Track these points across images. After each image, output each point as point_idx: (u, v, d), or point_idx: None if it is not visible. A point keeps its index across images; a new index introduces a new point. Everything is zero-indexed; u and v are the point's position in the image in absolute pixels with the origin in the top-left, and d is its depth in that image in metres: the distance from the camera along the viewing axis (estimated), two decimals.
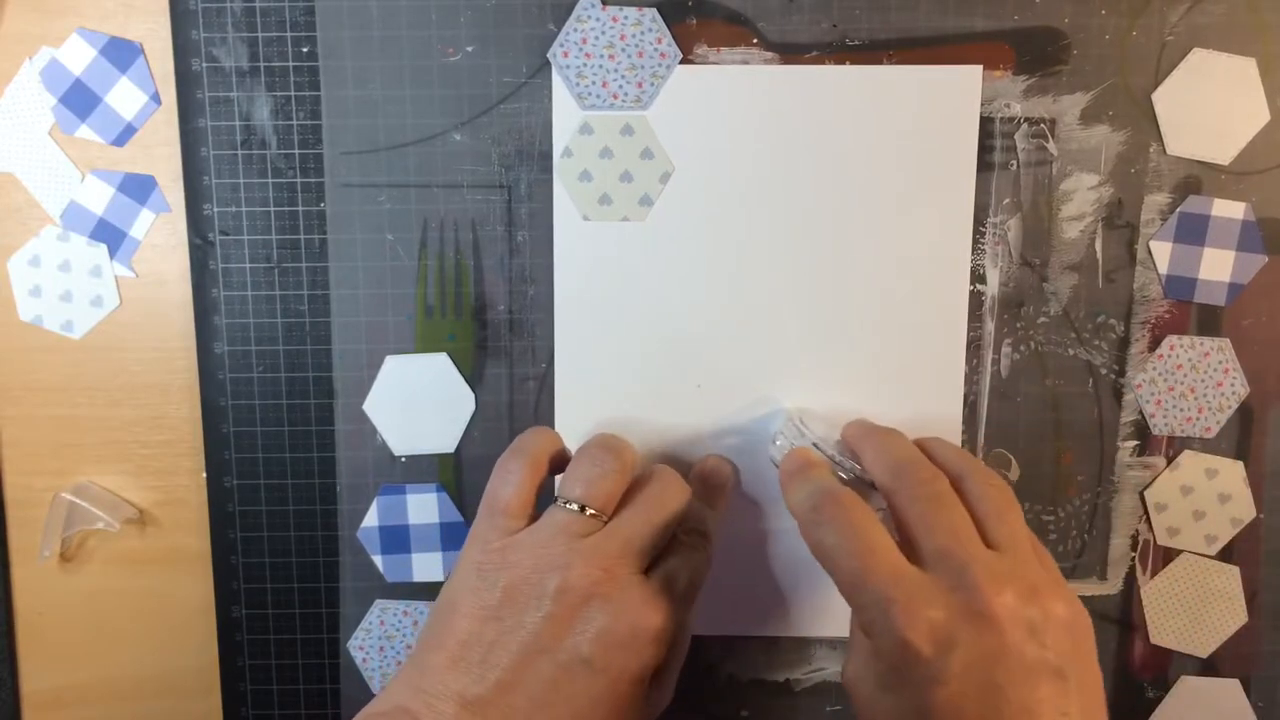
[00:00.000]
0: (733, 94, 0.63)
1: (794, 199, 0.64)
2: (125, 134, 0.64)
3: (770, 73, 0.63)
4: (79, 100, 0.64)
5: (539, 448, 0.59)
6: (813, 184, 0.64)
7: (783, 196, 0.64)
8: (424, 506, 0.66)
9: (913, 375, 0.65)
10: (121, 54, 0.63)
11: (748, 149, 0.63)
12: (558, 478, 0.61)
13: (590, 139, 0.63)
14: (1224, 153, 0.64)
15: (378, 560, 0.67)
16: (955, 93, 0.63)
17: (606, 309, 0.65)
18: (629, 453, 0.59)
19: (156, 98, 0.64)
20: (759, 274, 0.64)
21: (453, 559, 0.67)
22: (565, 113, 0.63)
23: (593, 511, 0.56)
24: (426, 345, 0.65)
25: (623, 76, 0.63)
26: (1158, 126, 0.64)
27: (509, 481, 0.58)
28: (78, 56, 0.63)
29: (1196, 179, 0.64)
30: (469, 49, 0.63)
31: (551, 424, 0.66)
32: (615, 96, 0.63)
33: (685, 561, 0.58)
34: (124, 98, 0.64)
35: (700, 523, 0.61)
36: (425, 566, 0.67)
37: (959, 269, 0.65)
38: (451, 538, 0.67)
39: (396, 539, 0.66)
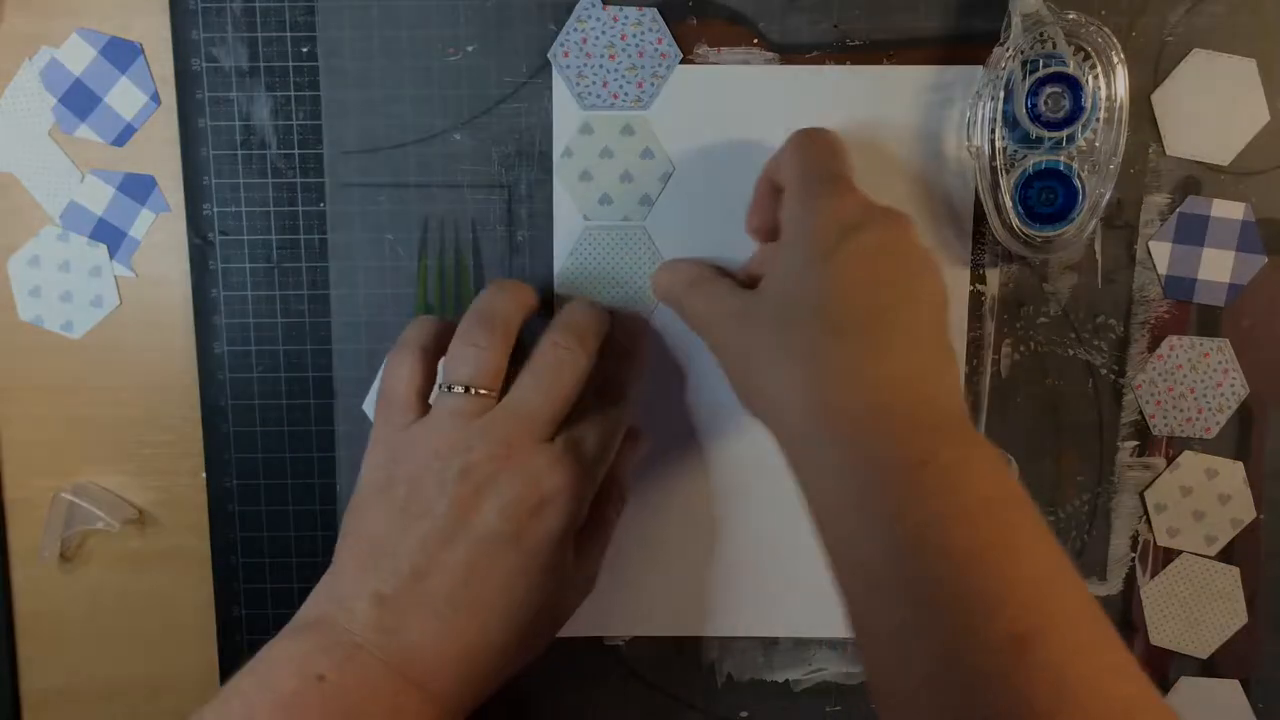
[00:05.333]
0: (733, 94, 0.63)
1: None
2: (125, 134, 0.64)
3: (770, 73, 0.63)
4: (79, 100, 0.64)
5: (424, 336, 0.59)
6: None
7: None
8: None
9: None
10: (121, 54, 0.63)
11: (748, 149, 0.63)
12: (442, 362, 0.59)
13: (590, 139, 0.63)
14: (1224, 153, 0.64)
15: None
16: (955, 93, 0.63)
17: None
18: (508, 316, 0.58)
19: (156, 98, 0.64)
20: None
21: None
22: (565, 113, 0.63)
23: (482, 391, 0.56)
24: None
25: (623, 76, 0.63)
26: (1157, 127, 0.64)
27: (399, 376, 0.58)
28: (78, 56, 0.63)
29: (1196, 180, 0.64)
30: (469, 49, 0.63)
31: None
32: (615, 96, 0.63)
33: (593, 423, 0.57)
34: (124, 98, 0.64)
35: (612, 382, 0.60)
36: None
37: (959, 270, 0.65)
38: None
39: None
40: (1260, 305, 0.65)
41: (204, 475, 0.66)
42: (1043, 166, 0.60)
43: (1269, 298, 0.65)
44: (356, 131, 0.64)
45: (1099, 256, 0.64)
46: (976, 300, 0.65)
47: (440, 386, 0.57)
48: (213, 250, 0.64)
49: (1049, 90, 0.60)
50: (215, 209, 0.64)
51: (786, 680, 0.69)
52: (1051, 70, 0.59)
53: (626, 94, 0.63)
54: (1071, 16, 0.59)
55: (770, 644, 0.68)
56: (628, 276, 0.64)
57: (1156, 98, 0.63)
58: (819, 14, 0.63)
